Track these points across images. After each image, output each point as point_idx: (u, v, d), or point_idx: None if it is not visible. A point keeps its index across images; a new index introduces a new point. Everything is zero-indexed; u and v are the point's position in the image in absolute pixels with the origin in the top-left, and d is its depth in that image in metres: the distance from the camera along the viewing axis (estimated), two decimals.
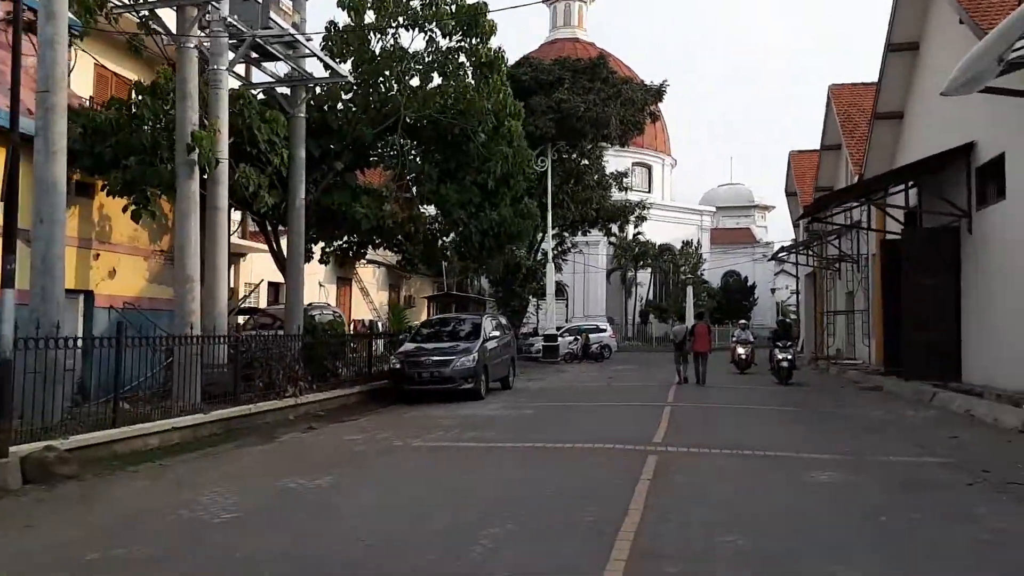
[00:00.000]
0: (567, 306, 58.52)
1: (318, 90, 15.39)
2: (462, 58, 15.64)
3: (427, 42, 15.80)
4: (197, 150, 10.73)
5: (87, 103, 13.65)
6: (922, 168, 17.15)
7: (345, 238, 17.88)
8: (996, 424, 10.67)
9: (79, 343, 9.89)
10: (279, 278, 26.54)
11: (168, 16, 11.90)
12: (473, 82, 14.92)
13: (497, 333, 17.39)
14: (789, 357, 19.53)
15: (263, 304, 24.08)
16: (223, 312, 11.94)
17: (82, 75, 13.91)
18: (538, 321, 41.92)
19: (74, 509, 6.53)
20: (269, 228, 15.40)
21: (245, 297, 17.71)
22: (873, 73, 22.11)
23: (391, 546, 5.27)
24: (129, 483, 7.59)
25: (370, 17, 15.48)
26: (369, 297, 31.36)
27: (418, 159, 15.77)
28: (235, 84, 13.99)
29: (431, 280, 38.19)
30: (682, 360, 20.57)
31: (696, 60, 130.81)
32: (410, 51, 15.84)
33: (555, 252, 38.96)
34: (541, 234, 35.13)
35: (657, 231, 57.67)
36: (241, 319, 19.29)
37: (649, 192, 61.57)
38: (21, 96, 8.10)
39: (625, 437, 9.90)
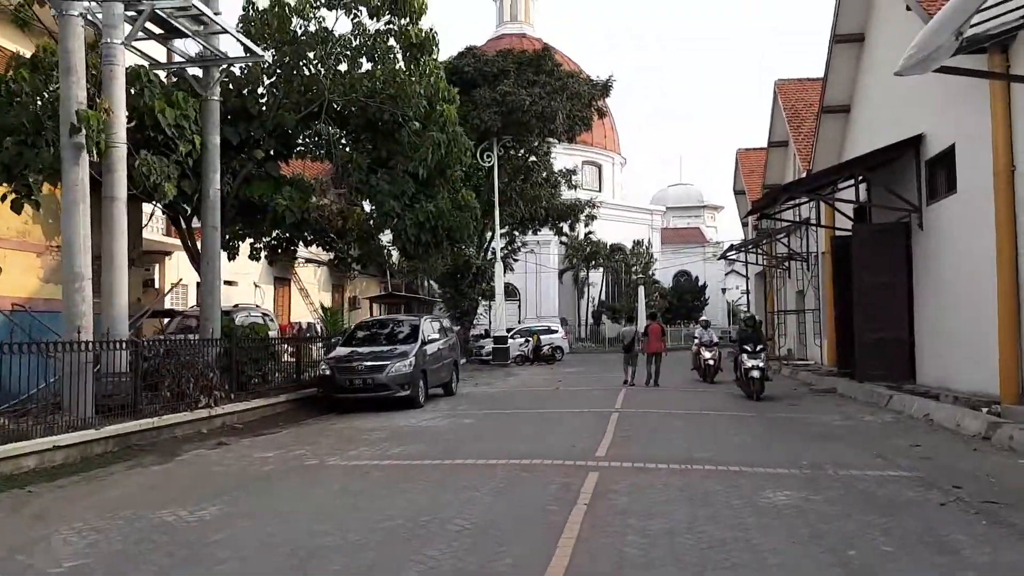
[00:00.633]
0: (519, 307, 57.66)
1: (237, 73, 14.22)
2: (392, 41, 14.59)
3: (354, 25, 14.73)
4: (84, 132, 9.51)
5: None
6: (871, 161, 16.70)
7: (275, 233, 16.68)
8: (958, 430, 10.09)
9: None
10: None
11: None
12: (404, 65, 13.89)
13: (437, 336, 16.39)
14: (760, 365, 15.41)
15: (194, 305, 22.59)
16: (123, 314, 10.72)
17: None
18: (490, 323, 41.05)
19: None
20: (183, 222, 14.13)
21: (160, 298, 16.38)
22: (819, 68, 21.77)
23: None
24: None
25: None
26: (309, 298, 30.04)
27: (348, 147, 14.66)
28: (144, 64, 12.76)
29: (378, 280, 36.98)
30: (630, 362, 19.97)
31: (646, 57, 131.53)
32: (336, 34, 14.77)
33: (505, 251, 38.10)
34: (490, 233, 34.29)
35: (608, 231, 57.29)
36: (164, 321, 17.93)
37: (599, 191, 61.16)
38: None
39: (566, 450, 9.03)
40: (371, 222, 14.49)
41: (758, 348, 15.90)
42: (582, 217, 39.69)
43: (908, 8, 14.65)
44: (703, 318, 24.68)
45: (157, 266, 22.14)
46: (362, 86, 13.85)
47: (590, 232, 53.93)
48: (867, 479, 7.28)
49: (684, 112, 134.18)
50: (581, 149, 60.28)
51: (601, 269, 58.54)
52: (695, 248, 68.99)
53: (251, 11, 14.29)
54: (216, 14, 11.79)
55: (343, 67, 14.84)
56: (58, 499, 7.10)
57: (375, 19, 14.89)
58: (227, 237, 16.60)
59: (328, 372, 14.44)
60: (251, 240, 17.14)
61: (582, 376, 24.39)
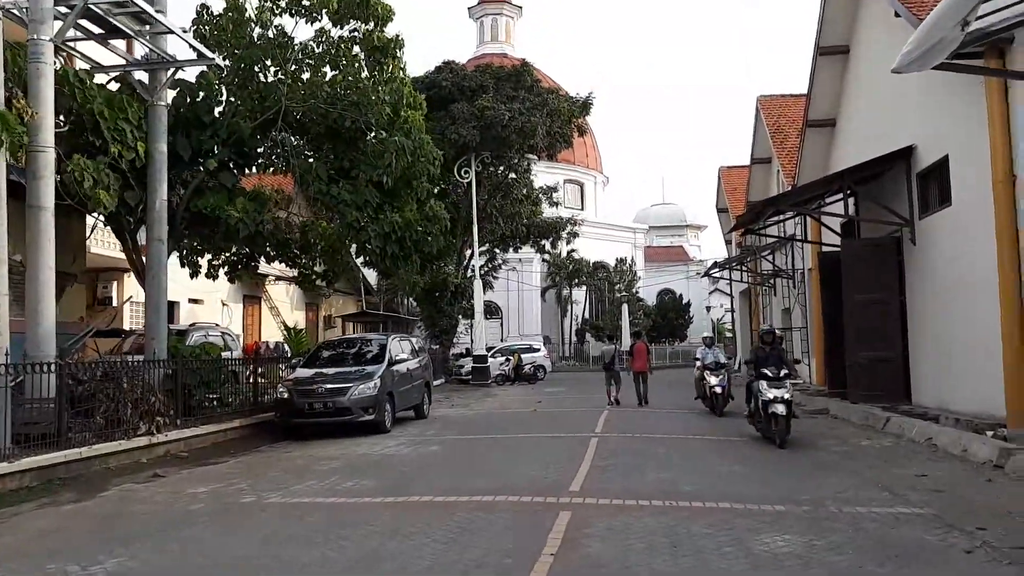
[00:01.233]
0: (501, 325, 56.74)
1: (189, 79, 13.34)
2: (356, 49, 13.76)
3: (316, 32, 13.90)
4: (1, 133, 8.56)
5: None
6: (859, 173, 16.02)
7: (234, 249, 15.73)
8: (965, 456, 9.26)
9: None
10: (174, 296, 24.16)
11: None
12: (367, 71, 13.05)
13: (407, 355, 15.42)
14: (786, 397, 10.97)
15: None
16: (48, 334, 9.70)
17: None
18: (472, 341, 40.14)
19: None
20: (127, 236, 13.13)
21: (108, 317, 15.34)
22: (802, 84, 21.25)
23: None
24: None
25: (252, 3, 13.53)
26: (280, 317, 28.96)
27: (308, 157, 13.75)
28: (86, 67, 11.84)
29: (355, 299, 35.95)
30: (613, 381, 19.17)
31: (627, 78, 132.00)
32: (297, 41, 13.93)
33: (485, 269, 37.27)
34: (469, 250, 33.46)
35: (591, 249, 56.62)
36: (117, 341, 16.83)
37: (582, 209, 60.57)
38: None
39: (537, 483, 8.11)
40: (335, 235, 13.55)
41: (782, 373, 11.41)
42: (564, 234, 38.98)
43: (897, 15, 14.06)
44: (706, 335, 19.22)
45: (116, 283, 21.05)
46: (322, 92, 13.00)
47: (573, 250, 53.22)
48: (876, 518, 6.40)
49: (667, 132, 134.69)
50: (563, 167, 59.78)
51: (584, 287, 57.80)
52: (679, 266, 68.45)
53: (205, 14, 13.43)
54: (158, 12, 10.91)
55: (306, 76, 14.01)
56: None
57: (338, 26, 14.11)
58: (184, 252, 15.68)
59: (286, 395, 13.43)
60: (209, 256, 16.16)
61: (564, 396, 23.47)
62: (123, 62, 12.18)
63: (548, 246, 40.49)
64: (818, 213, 17.78)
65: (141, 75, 12.20)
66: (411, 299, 38.41)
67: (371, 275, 39.92)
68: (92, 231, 14.50)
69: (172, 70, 12.22)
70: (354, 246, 13.79)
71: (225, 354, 14.70)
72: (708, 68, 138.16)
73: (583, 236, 48.60)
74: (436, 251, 14.18)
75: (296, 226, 15.29)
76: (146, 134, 11.93)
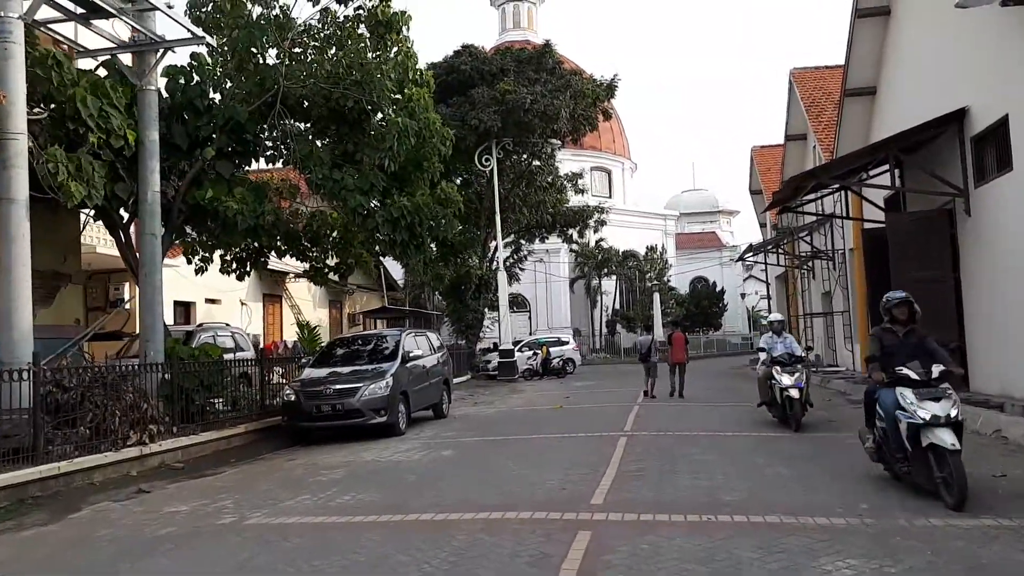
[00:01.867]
0: (530, 318, 55.77)
1: (182, 63, 12.56)
2: (362, 29, 12.86)
3: (321, 12, 13.03)
4: None
5: None
6: (906, 140, 14.75)
7: (242, 244, 14.96)
8: None
9: None
10: (191, 296, 23.62)
11: None
12: (370, 47, 12.12)
13: (421, 352, 14.52)
14: (956, 416, 6.66)
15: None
16: (24, 337, 8.95)
17: None
18: (499, 335, 39.28)
19: None
20: (120, 231, 12.39)
21: (101, 321, 14.68)
22: (837, 56, 19.94)
23: None
24: None
25: None
26: (302, 316, 28.31)
27: (316, 141, 12.88)
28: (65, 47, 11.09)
29: (380, 295, 35.25)
30: (650, 372, 18.37)
31: (653, 63, 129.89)
32: (299, 21, 13.08)
33: (511, 260, 36.31)
34: (493, 242, 32.50)
35: (620, 237, 55.35)
36: (123, 344, 16.20)
37: (610, 197, 59.25)
38: None
39: (555, 495, 7.14)
40: (352, 226, 12.68)
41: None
42: (591, 223, 37.78)
43: None
44: (773, 316, 13.86)
45: (128, 284, 20.48)
46: (322, 71, 12.12)
47: (601, 239, 52.01)
48: (958, 533, 5.33)
49: (696, 116, 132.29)
50: (589, 154, 58.56)
51: (614, 277, 56.56)
52: (711, 253, 66.86)
53: None
54: None
55: (308, 57, 13.15)
56: None
57: (343, 4, 13.23)
58: (191, 248, 14.97)
59: (293, 397, 12.63)
60: (221, 252, 15.43)
61: (593, 391, 22.47)
62: (110, 45, 11.40)
63: (575, 235, 39.32)
64: (862, 186, 16.53)
65: (129, 59, 11.42)
66: (437, 294, 37.67)
67: (397, 271, 39.34)
68: (84, 227, 13.81)
69: (161, 51, 11.43)
70: (362, 235, 12.83)
71: (230, 355, 13.91)
72: (738, 50, 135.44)
73: (611, 224, 47.37)
74: (451, 237, 13.22)
75: (304, 216, 14.48)
76: (136, 121, 11.16)
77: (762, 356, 12.47)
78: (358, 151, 12.31)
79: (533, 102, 27.30)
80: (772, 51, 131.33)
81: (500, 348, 31.13)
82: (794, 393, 11.16)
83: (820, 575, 4.58)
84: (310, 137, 13.19)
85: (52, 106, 10.09)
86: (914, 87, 16.40)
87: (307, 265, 15.82)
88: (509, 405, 18.75)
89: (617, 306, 58.14)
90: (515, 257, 37.01)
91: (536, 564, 5.00)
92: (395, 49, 12.25)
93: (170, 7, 10.94)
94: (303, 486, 8.41)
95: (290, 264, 19.98)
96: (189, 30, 11.35)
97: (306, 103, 12.68)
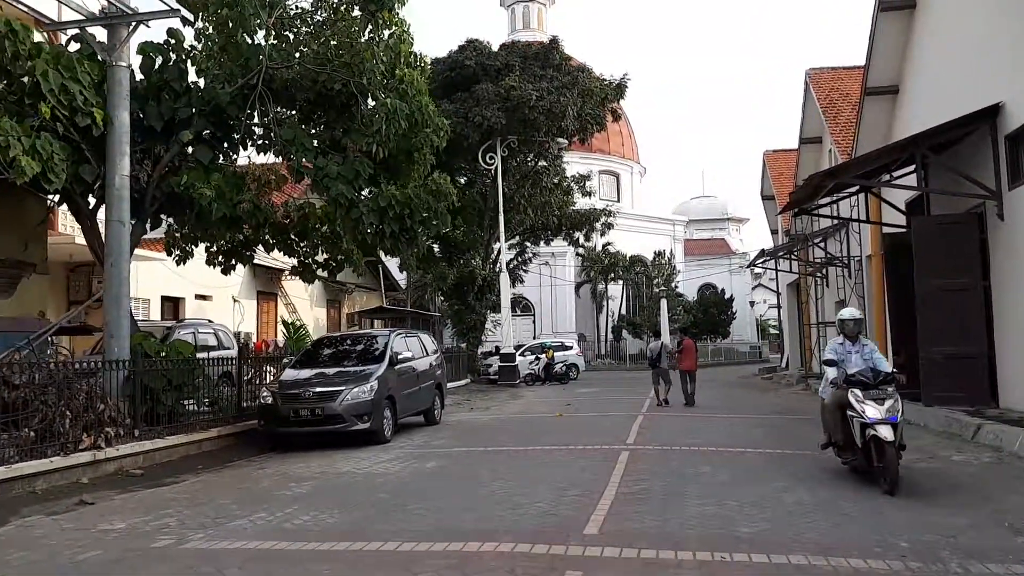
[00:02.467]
0: (534, 322, 54.82)
1: (159, 40, 11.71)
2: (356, 11, 11.95)
3: None
4: None
5: None
6: (934, 139, 13.80)
7: (227, 236, 14.09)
8: None
9: None
10: (179, 291, 22.81)
11: None
12: (360, 27, 11.23)
13: (412, 353, 13.61)
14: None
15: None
16: None
17: None
18: (502, 338, 38.37)
19: None
20: (87, 218, 11.53)
21: (68, 315, 13.82)
22: (853, 58, 19.06)
23: None
24: None
25: None
26: (297, 314, 27.48)
27: (302, 127, 11.99)
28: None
29: (384, 295, 34.41)
30: (661, 379, 17.85)
31: (664, 66, 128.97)
32: (291, 3, 12.20)
33: (515, 262, 35.43)
34: (497, 244, 31.64)
35: (627, 242, 54.40)
36: (98, 339, 15.35)
37: (618, 201, 58.32)
38: None
39: (544, 522, 6.21)
40: (324, 214, 11.78)
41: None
42: (598, 226, 36.84)
43: None
44: (846, 313, 8.59)
45: None
46: (310, 51, 11.26)
47: (608, 243, 51.11)
48: None
49: (707, 120, 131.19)
50: (597, 157, 57.67)
51: (621, 282, 55.57)
52: (720, 259, 65.76)
53: None
54: None
55: (297, 39, 12.28)
56: None
57: None
58: (172, 238, 14.12)
59: (270, 400, 11.74)
60: (206, 244, 14.57)
61: (596, 398, 21.54)
62: (79, 18, 10.57)
63: (582, 239, 38.39)
64: (885, 187, 15.57)
65: (105, 35, 10.57)
66: (439, 296, 36.81)
67: (399, 272, 38.47)
68: (48, 213, 12.98)
69: (133, 25, 10.58)
70: (347, 227, 11.90)
71: (206, 354, 13.03)
72: (751, 51, 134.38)
73: (619, 228, 46.43)
74: (444, 231, 12.30)
75: (292, 208, 13.61)
76: (103, 99, 10.31)
77: (829, 373, 7.99)
78: (346, 136, 11.44)
79: (539, 99, 26.43)
80: (786, 52, 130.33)
81: (501, 352, 30.22)
82: (885, 433, 7.07)
83: None
84: (296, 122, 12.31)
85: (5, 81, 9.26)
86: (941, 84, 15.47)
87: (295, 261, 14.93)
88: (507, 412, 17.84)
89: (623, 312, 57.15)
90: (519, 259, 36.13)
91: None
92: (387, 32, 11.35)
93: None
94: (263, 501, 7.51)
95: (280, 260, 19.12)
96: (164, 2, 10.52)
97: (292, 87, 11.81)
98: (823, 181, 14.52)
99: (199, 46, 12.21)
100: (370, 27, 11.31)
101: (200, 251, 14.56)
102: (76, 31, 10.90)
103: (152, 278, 20.46)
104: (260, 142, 12.39)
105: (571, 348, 35.48)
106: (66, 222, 14.90)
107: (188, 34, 12.36)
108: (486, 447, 11.29)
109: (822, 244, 24.24)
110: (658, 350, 18.41)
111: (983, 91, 13.25)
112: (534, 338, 45.56)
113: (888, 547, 5.27)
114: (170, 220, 13.54)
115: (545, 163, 32.72)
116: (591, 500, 6.92)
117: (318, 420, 11.39)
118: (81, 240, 15.57)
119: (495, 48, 29.62)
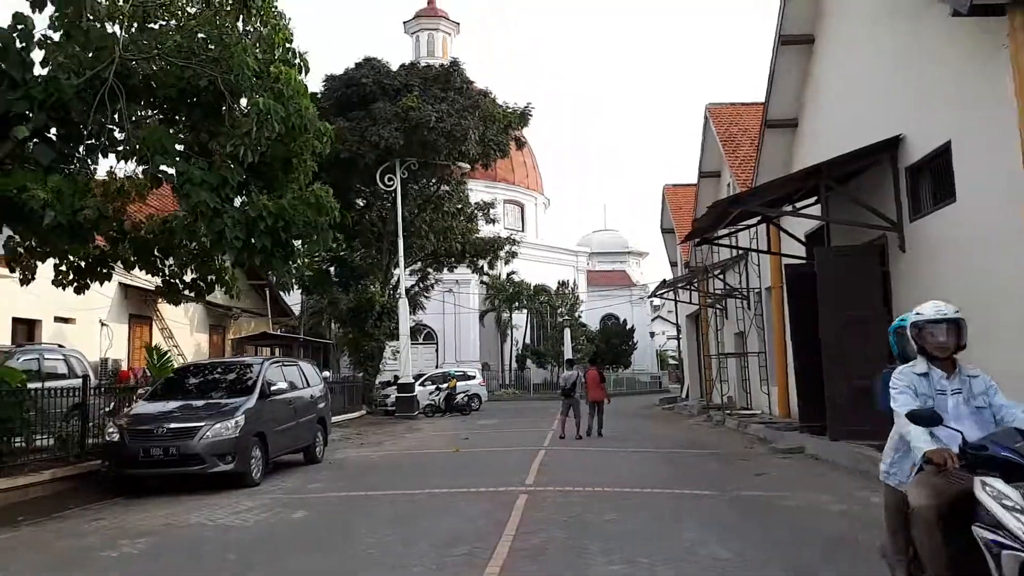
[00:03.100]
0: (436, 351, 53.47)
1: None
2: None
3: None
4: None
5: None
6: (838, 168, 13.72)
7: (81, 251, 12.33)
8: None
9: None
10: (35, 313, 20.41)
11: None
12: (233, 16, 9.96)
13: (288, 386, 12.20)
14: None
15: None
16: None
17: None
18: (400, 368, 36.93)
19: None
20: None
21: None
22: (754, 93, 19.23)
23: None
24: None
25: None
26: (174, 340, 25.27)
27: (165, 129, 10.53)
28: None
29: (272, 321, 32.36)
30: (571, 410, 17.25)
31: (569, 101, 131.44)
32: None
33: (417, 288, 34.24)
34: (396, 269, 30.40)
35: (531, 271, 54.16)
36: None
37: (522, 231, 58.10)
38: None
39: None
40: (181, 227, 10.29)
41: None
42: (502, 254, 36.21)
43: None
44: (932, 309, 4.24)
45: None
46: (172, 43, 9.91)
47: (512, 272, 50.65)
48: None
49: (609, 156, 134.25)
50: (502, 187, 57.41)
51: (525, 311, 55.13)
52: (622, 291, 66.49)
53: None
54: None
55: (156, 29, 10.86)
56: None
57: None
58: (7, 254, 12.26)
59: (117, 437, 10.12)
60: (55, 261, 12.74)
61: (497, 430, 20.53)
62: None
63: (486, 267, 37.62)
64: (790, 214, 15.41)
65: None
66: (335, 324, 35.07)
67: (294, 297, 36.53)
68: None
69: None
70: (209, 240, 10.46)
71: (52, 383, 11.26)
72: (652, 87, 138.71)
73: (524, 258, 46.04)
74: (323, 244, 11.05)
75: (156, 222, 12.04)
76: None
77: (913, 436, 3.96)
78: (212, 141, 10.11)
79: (439, 120, 25.56)
80: (687, 86, 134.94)
81: (399, 382, 28.84)
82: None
83: None
84: (157, 123, 10.85)
85: None
86: (840, 117, 15.54)
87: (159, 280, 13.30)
88: (400, 447, 16.56)
89: (528, 341, 56.64)
90: (421, 285, 34.97)
91: None
92: (262, 25, 10.11)
93: None
94: (78, 566, 6.08)
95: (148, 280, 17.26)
96: None
97: (153, 83, 10.38)
98: (728, 208, 14.16)
99: (55, 36, 10.64)
100: (242, 18, 10.06)
101: (49, 269, 12.73)
102: None
103: (2, 297, 18.14)
104: (120, 148, 10.81)
105: (474, 377, 34.48)
106: None
107: (42, 22, 10.79)
108: (367, 491, 10.02)
109: (721, 276, 24.26)
110: (573, 379, 17.94)
111: (883, 124, 13.24)
112: (437, 367, 44.27)
113: None
114: (10, 233, 11.73)
115: (448, 188, 31.88)
116: (479, 561, 5.84)
117: (173, 460, 9.86)
118: None
119: (394, 68, 28.62)
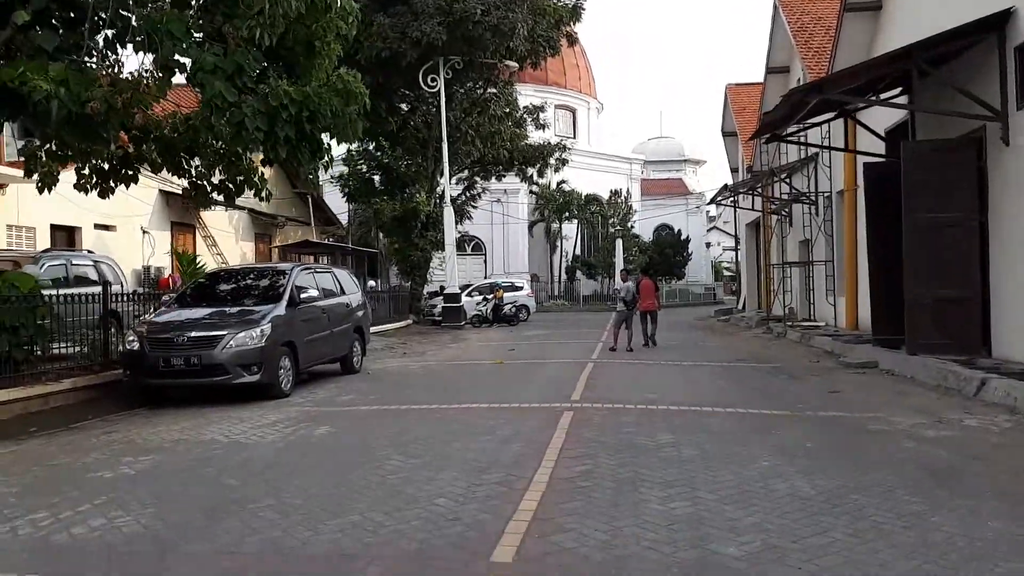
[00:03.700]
0: (485, 262, 52.90)
1: None
2: None
3: None
4: None
5: None
6: (932, 48, 11.95)
7: (106, 153, 11.57)
8: None
9: None
10: (75, 220, 20.11)
11: None
12: None
13: (317, 292, 11.43)
14: None
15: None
16: None
17: None
18: (446, 277, 36.30)
19: None
20: None
21: None
22: None
23: None
24: None
25: None
26: (217, 248, 24.94)
27: (176, 11, 9.48)
28: None
29: (319, 229, 31.88)
30: (624, 322, 16.58)
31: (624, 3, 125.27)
32: None
33: (463, 198, 33.14)
34: (440, 175, 29.30)
35: (583, 180, 52.43)
36: None
37: (574, 138, 56.00)
38: None
39: (441, 534, 4.27)
40: (199, 119, 9.38)
41: None
42: (552, 161, 34.49)
43: None
44: None
45: None
46: None
47: (563, 181, 49.05)
48: None
49: (666, 56, 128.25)
50: (553, 90, 55.14)
51: (575, 221, 53.75)
52: (677, 200, 64.27)
53: None
54: None
55: None
56: None
57: None
58: (34, 153, 11.57)
59: (136, 345, 9.55)
60: (78, 164, 12.01)
61: (544, 342, 19.78)
62: None
63: (535, 175, 36.14)
64: (876, 103, 13.74)
65: None
66: (382, 234, 34.41)
67: (342, 205, 35.82)
68: None
69: None
70: (229, 134, 9.53)
71: (68, 290, 10.70)
72: None
73: (575, 166, 44.28)
74: (351, 134, 9.96)
75: (179, 120, 11.14)
76: None
77: None
78: (227, 23, 9.03)
79: (484, 13, 23.81)
80: None
81: (445, 292, 28.23)
82: None
83: None
84: (168, 6, 9.79)
85: None
86: None
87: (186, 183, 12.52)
88: (442, 358, 15.92)
89: (578, 252, 55.51)
90: (468, 195, 33.82)
91: None
92: None
93: None
94: (66, 488, 5.45)
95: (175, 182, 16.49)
96: None
97: None
98: (804, 98, 12.55)
99: None
100: None
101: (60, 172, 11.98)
102: None
103: (39, 203, 17.74)
104: (128, 36, 9.77)
105: (522, 288, 33.66)
106: None
107: None
108: (400, 405, 9.31)
109: (787, 179, 22.57)
110: (633, 290, 17.17)
111: (980, 2, 11.43)
112: (485, 278, 43.68)
113: (932, 557, 3.47)
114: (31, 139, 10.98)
115: (495, 90, 30.25)
116: (513, 493, 4.99)
117: (194, 371, 9.25)
118: None
119: None
